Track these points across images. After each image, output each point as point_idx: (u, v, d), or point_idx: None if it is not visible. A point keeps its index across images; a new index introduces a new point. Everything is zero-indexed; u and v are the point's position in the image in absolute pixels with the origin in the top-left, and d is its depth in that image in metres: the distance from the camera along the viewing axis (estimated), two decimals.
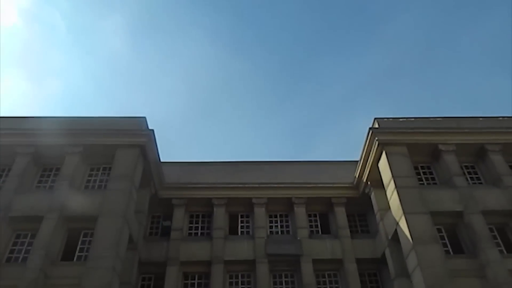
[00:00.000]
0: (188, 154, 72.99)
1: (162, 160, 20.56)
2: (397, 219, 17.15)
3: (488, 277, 15.27)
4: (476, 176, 19.00)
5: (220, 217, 20.61)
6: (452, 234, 17.16)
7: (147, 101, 65.50)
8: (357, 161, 20.90)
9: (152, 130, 18.95)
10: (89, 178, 18.76)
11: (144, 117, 19.51)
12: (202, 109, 64.39)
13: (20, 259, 15.96)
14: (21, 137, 18.28)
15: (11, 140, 18.22)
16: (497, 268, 15.17)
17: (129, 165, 17.86)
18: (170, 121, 64.43)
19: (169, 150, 63.03)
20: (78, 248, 16.48)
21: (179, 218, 20.51)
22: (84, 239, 16.74)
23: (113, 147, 18.37)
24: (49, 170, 18.90)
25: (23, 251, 16.20)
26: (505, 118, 19.87)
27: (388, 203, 18.25)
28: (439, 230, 17.00)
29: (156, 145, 19.42)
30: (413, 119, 19.91)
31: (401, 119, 19.89)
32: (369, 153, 19.44)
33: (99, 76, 64.76)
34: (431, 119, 19.95)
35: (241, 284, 19.19)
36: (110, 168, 18.39)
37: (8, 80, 59.20)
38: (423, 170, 19.20)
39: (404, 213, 16.43)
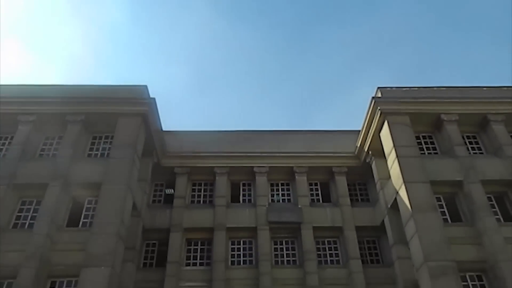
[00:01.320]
0: (190, 123, 72.99)
1: (164, 129, 20.60)
2: (397, 188, 17.35)
3: (484, 244, 15.61)
4: (477, 146, 19.06)
5: (222, 185, 20.86)
6: (451, 203, 17.41)
7: (148, 71, 64.94)
8: (359, 131, 20.92)
9: (154, 98, 18.90)
10: (92, 146, 18.87)
11: (145, 86, 19.43)
12: (204, 79, 63.91)
13: (26, 225, 16.33)
14: (23, 105, 18.26)
15: (12, 109, 18.23)
16: (494, 236, 15.47)
17: (131, 133, 17.92)
18: (171, 91, 64.10)
19: (171, 120, 63.00)
20: (83, 215, 16.79)
21: (182, 186, 20.77)
22: (89, 206, 17.02)
23: (115, 116, 18.37)
24: (51, 139, 18.98)
25: (29, 217, 16.54)
26: (509, 88, 19.71)
27: (389, 172, 18.40)
28: (438, 199, 17.24)
29: (158, 114, 19.42)
30: (416, 89, 19.78)
31: (404, 89, 19.76)
32: (371, 123, 19.43)
33: (100, 46, 63.94)
34: (435, 88, 19.82)
35: (243, 250, 19.66)
36: (112, 137, 18.47)
37: (7, 48, 58.52)
38: (425, 140, 19.25)
39: (404, 182, 16.60)
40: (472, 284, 15.31)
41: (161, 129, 20.25)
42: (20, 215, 16.67)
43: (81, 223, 16.59)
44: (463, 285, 14.78)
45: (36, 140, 18.59)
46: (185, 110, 63.97)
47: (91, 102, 18.53)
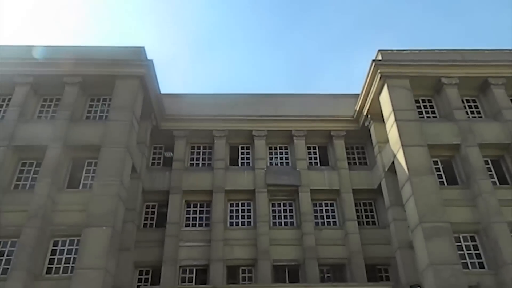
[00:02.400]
0: (188, 87, 72.37)
1: (162, 92, 20.45)
2: (395, 151, 17.46)
3: (479, 206, 15.90)
4: (477, 110, 19.03)
5: (221, 148, 20.97)
6: (448, 166, 17.59)
7: (144, 33, 63.66)
8: (358, 95, 20.82)
9: (151, 60, 18.64)
10: (90, 109, 18.81)
11: (143, 47, 19.12)
12: (201, 42, 62.77)
13: (27, 186, 16.53)
14: (19, 66, 18.04)
15: (8, 70, 17.99)
16: (488, 198, 15.73)
17: (129, 96, 17.82)
18: (169, 53, 63.11)
19: (169, 83, 62.40)
20: (82, 177, 16.98)
21: (181, 149, 20.88)
22: (88, 168, 17.18)
23: (112, 78, 18.19)
24: (49, 101, 18.89)
25: (29, 179, 16.73)
26: (511, 51, 19.44)
27: (387, 136, 18.47)
28: (435, 163, 17.41)
29: (156, 76, 19.21)
30: (417, 52, 19.51)
31: (405, 52, 19.49)
32: (371, 86, 19.29)
33: (94, 7, 62.29)
34: (436, 51, 19.55)
35: (241, 212, 20.02)
36: (110, 99, 18.38)
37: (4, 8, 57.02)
38: (424, 104, 19.19)
39: (402, 145, 16.69)
40: (465, 245, 15.71)
41: (159, 92, 20.11)
42: (21, 177, 16.85)
43: (81, 184, 16.80)
44: (456, 245, 15.17)
45: (34, 102, 18.51)
46: (183, 73, 63.29)
47: (88, 64, 18.28)
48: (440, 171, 17.40)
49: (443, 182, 17.07)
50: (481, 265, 15.28)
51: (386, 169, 18.70)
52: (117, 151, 16.32)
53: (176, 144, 21.00)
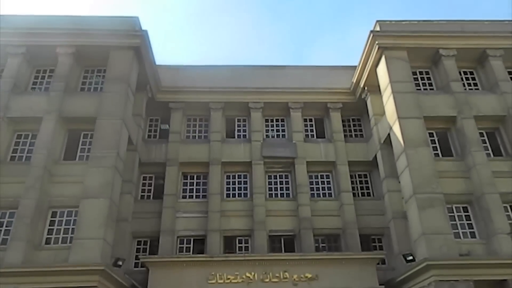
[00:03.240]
0: (184, 58, 71.48)
1: (157, 63, 20.19)
2: (391, 123, 17.49)
3: (472, 178, 16.10)
4: (474, 82, 18.97)
5: (217, 121, 20.92)
6: (443, 138, 17.68)
7: (139, 3, 62.21)
8: (355, 67, 20.66)
9: (146, 31, 18.27)
10: (84, 80, 18.60)
11: (137, 17, 18.69)
12: (196, 14, 61.50)
13: (23, 158, 16.53)
14: (11, 37, 17.65)
15: (0, 40, 17.64)
16: (482, 169, 15.91)
17: (124, 67, 17.58)
18: (164, 24, 61.93)
19: (165, 55, 61.50)
20: (79, 149, 16.97)
21: (177, 121, 20.81)
22: (84, 140, 17.14)
23: (107, 49, 17.90)
24: (43, 72, 18.63)
25: (25, 151, 16.70)
26: (510, 22, 19.21)
27: (384, 108, 18.45)
28: (431, 135, 17.49)
29: (151, 47, 18.91)
30: (415, 22, 19.23)
31: (403, 22, 19.20)
32: (369, 58, 19.12)
33: None
34: (435, 22, 19.28)
35: (238, 184, 20.18)
36: (104, 71, 18.15)
37: None
38: (421, 76, 19.09)
39: (399, 117, 16.72)
40: (457, 215, 16.00)
41: (155, 63, 19.85)
42: (17, 149, 16.82)
43: (77, 156, 16.79)
44: (449, 215, 15.46)
45: (27, 73, 18.25)
46: (179, 44, 62.35)
47: (81, 34, 17.91)
48: (435, 143, 17.51)
49: (438, 154, 17.22)
50: (473, 235, 15.62)
51: (382, 141, 18.79)
52: (113, 123, 16.25)
53: (172, 116, 20.92)
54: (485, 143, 17.35)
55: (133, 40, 17.98)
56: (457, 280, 13.56)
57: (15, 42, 17.71)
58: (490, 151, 17.21)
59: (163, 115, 21.35)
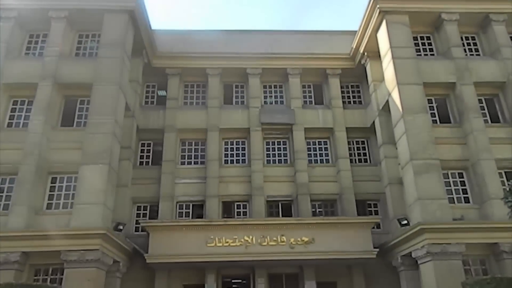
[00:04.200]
0: (180, 23, 69.92)
1: (153, 28, 19.76)
2: (390, 89, 17.39)
3: (469, 144, 16.21)
4: (475, 47, 18.70)
5: (215, 87, 20.74)
6: (442, 105, 17.65)
7: None
8: (355, 32, 20.30)
9: None
10: (79, 45, 18.26)
11: None
12: None
13: (21, 125, 16.49)
14: (2, 0, 17.19)
15: None
16: (479, 136, 16.00)
17: (118, 31, 17.20)
18: None
19: (161, 19, 60.10)
20: (76, 115, 16.92)
21: (174, 87, 20.63)
22: (81, 106, 17.07)
23: (100, 12, 17.44)
24: (36, 37, 18.25)
25: (22, 117, 16.66)
26: None
27: (383, 74, 18.28)
28: (429, 101, 17.44)
29: (146, 11, 18.45)
30: None
31: None
32: (369, 22, 18.75)
33: None
34: None
35: (236, 150, 20.28)
36: (99, 35, 17.79)
37: None
38: (422, 41, 18.80)
39: (398, 83, 16.59)
40: (453, 181, 16.24)
41: (150, 28, 19.42)
42: (13, 115, 16.75)
43: (75, 123, 16.78)
44: (445, 181, 15.68)
45: (20, 38, 17.89)
46: (174, 9, 60.80)
47: None
48: (434, 109, 17.49)
49: (436, 120, 17.24)
50: (467, 200, 15.92)
51: (380, 108, 18.76)
52: (109, 89, 16.10)
53: (169, 82, 20.71)
54: (484, 109, 17.34)
55: (127, 3, 17.50)
56: (450, 244, 13.92)
57: (6, 5, 17.25)
58: (488, 118, 17.24)
59: (160, 81, 21.13)
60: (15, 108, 16.88)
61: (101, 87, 16.12)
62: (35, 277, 14.47)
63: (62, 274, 13.68)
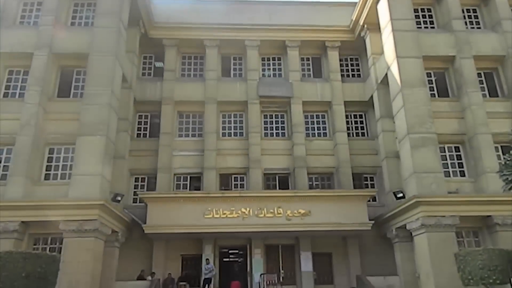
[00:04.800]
0: None
1: None
2: (389, 63, 17.23)
3: (466, 118, 16.22)
4: (476, 20, 18.43)
5: (213, 59, 20.48)
6: (441, 78, 17.55)
7: None
8: (355, 3, 19.95)
9: None
10: (74, 14, 17.88)
11: None
12: None
13: (17, 95, 16.35)
14: None
15: None
16: (477, 110, 16.00)
17: (114, 0, 16.84)
18: None
19: None
20: (72, 86, 16.78)
21: (171, 59, 20.37)
22: (78, 77, 16.92)
23: None
24: (30, 5, 17.85)
25: (18, 88, 16.51)
26: None
27: (383, 47, 18.06)
28: (428, 75, 17.35)
29: None
30: None
31: None
32: None
33: None
34: None
35: (234, 123, 20.23)
36: (95, 4, 17.41)
37: None
38: (423, 13, 18.50)
39: (397, 56, 16.43)
40: (449, 155, 16.33)
41: None
42: (9, 85, 16.59)
43: (71, 93, 16.66)
44: (441, 155, 15.76)
45: (14, 5, 17.49)
46: None
47: None
48: (432, 83, 17.39)
49: (434, 94, 17.17)
50: (462, 174, 16.06)
51: (379, 81, 18.65)
52: (105, 60, 15.89)
53: (166, 53, 20.43)
54: (482, 83, 17.26)
55: None
56: (444, 216, 14.11)
57: None
58: (486, 92, 17.18)
59: (157, 52, 20.83)
60: (11, 78, 16.70)
61: (97, 58, 15.90)
62: (35, 246, 14.70)
63: (61, 244, 13.87)
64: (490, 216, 14.62)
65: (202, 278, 16.04)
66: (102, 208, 13.93)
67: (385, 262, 17.10)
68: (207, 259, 16.38)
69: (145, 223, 16.01)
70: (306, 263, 17.15)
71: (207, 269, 15.90)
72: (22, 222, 13.81)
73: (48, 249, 14.55)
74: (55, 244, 14.76)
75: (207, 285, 15.73)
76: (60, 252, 13.48)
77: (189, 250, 17.61)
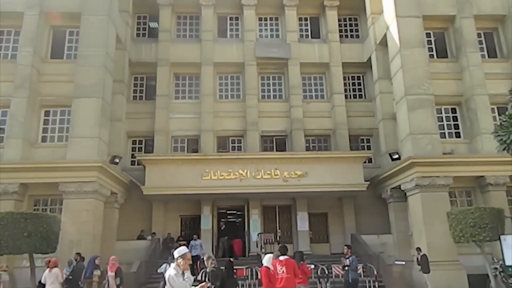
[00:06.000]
0: None
1: None
2: (388, 22, 16.92)
3: (464, 79, 16.16)
4: None
5: (209, 19, 20.00)
6: (440, 39, 17.32)
7: None
8: None
9: None
10: None
11: None
12: None
13: (9, 56, 16.05)
14: None
15: None
16: (475, 71, 15.90)
17: None
18: None
19: None
20: (66, 47, 16.46)
21: (166, 19, 19.87)
22: (71, 37, 16.56)
23: None
24: None
25: (10, 48, 16.17)
26: None
27: (382, 6, 17.66)
28: (427, 35, 17.11)
29: None
30: None
31: None
32: None
33: None
34: None
35: (230, 85, 20.05)
36: None
37: None
38: None
39: (397, 16, 16.12)
40: (445, 116, 16.39)
41: None
42: (1, 46, 16.23)
43: (65, 55, 16.37)
44: (438, 116, 15.82)
45: None
46: None
47: None
48: (431, 43, 17.17)
49: (433, 55, 16.99)
50: (458, 135, 16.20)
51: (378, 42, 18.37)
52: (98, 20, 15.52)
53: (161, 13, 19.90)
54: (482, 44, 17.05)
55: None
56: (438, 176, 14.34)
57: None
58: (485, 52, 17.00)
59: (152, 12, 20.29)
60: (2, 38, 16.32)
61: (89, 17, 15.52)
62: (35, 207, 14.93)
63: (61, 205, 14.06)
64: (483, 176, 14.87)
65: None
66: (101, 170, 14.04)
67: (379, 222, 17.52)
68: (194, 235, 16.12)
69: (143, 185, 16.19)
70: (302, 223, 17.57)
71: (194, 246, 15.11)
72: (22, 183, 13.95)
73: (48, 210, 14.78)
74: (55, 205, 14.98)
75: (195, 264, 13.79)
76: (60, 213, 13.71)
77: (188, 211, 17.94)
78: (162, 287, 11.95)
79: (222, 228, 17.45)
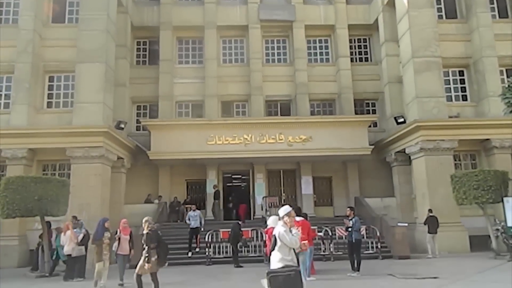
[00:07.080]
0: None
1: None
2: None
3: (473, 40, 15.81)
4: None
5: None
6: None
7: None
8: None
9: None
10: None
11: None
12: None
13: (10, 21, 15.84)
14: None
15: None
16: (485, 32, 15.54)
17: None
18: None
19: None
20: (67, 11, 16.19)
21: None
22: (71, 1, 16.26)
23: None
24: None
25: (11, 13, 15.98)
26: None
27: None
28: None
29: None
30: None
31: None
32: None
33: None
34: None
35: (234, 49, 19.77)
36: None
37: None
38: None
39: None
40: (452, 79, 16.17)
41: None
42: (1, 10, 15.99)
43: (66, 19, 16.13)
44: (445, 79, 15.61)
45: None
46: None
47: None
48: (440, 3, 16.70)
49: (442, 15, 16.57)
50: (464, 98, 16.05)
51: (385, 3, 17.87)
52: None
53: None
54: (492, 3, 16.55)
55: None
56: (443, 140, 14.32)
57: None
58: (496, 12, 16.54)
59: None
60: (2, 2, 16.05)
61: None
62: (44, 172, 15.17)
63: (69, 170, 14.28)
64: (488, 139, 14.82)
65: (188, 229, 13.57)
66: (107, 135, 14.13)
67: (383, 185, 17.69)
68: (192, 205, 14.70)
69: (149, 150, 16.33)
70: (306, 187, 17.77)
71: (193, 217, 13.56)
72: (30, 149, 14.12)
73: (57, 174, 15.04)
74: (63, 170, 15.23)
75: (194, 237, 13.40)
76: (69, 178, 13.94)
77: (194, 176, 18.16)
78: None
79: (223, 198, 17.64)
